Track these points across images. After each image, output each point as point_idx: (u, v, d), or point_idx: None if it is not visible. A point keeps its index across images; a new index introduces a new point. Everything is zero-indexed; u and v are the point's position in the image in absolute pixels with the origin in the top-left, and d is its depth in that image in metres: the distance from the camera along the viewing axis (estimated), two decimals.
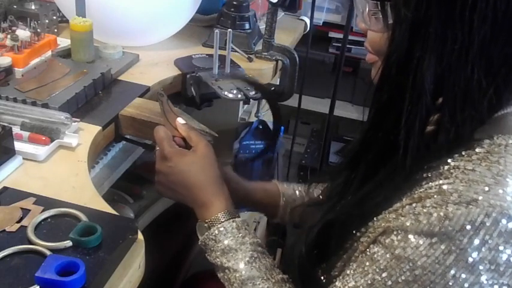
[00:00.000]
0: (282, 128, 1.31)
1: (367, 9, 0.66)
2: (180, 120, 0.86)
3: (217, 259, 0.76)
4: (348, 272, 0.65)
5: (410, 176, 0.63)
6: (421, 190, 0.61)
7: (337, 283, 0.65)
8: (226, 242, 0.76)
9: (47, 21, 1.18)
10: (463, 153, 0.61)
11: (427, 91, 0.59)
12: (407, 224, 0.59)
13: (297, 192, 1.00)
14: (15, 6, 1.17)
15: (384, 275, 0.60)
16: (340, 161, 0.85)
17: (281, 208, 0.99)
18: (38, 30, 1.07)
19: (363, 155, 0.68)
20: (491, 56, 0.58)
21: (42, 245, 0.62)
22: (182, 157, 0.82)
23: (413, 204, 0.60)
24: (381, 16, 0.63)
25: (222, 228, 0.77)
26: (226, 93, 1.00)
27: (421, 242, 0.57)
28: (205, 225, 0.78)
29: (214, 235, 0.77)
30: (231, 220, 0.78)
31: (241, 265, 0.74)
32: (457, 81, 0.58)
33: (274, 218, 1.01)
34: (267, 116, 1.32)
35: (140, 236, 0.68)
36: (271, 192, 0.99)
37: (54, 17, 1.21)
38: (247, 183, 0.97)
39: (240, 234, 0.76)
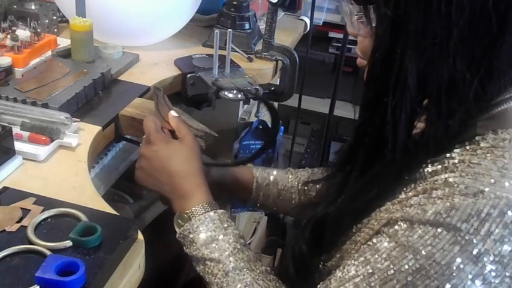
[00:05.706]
0: (282, 127, 1.30)
1: (354, 14, 0.67)
2: (172, 113, 0.86)
3: (198, 251, 0.74)
4: (349, 262, 0.64)
5: (401, 172, 0.63)
6: (426, 183, 0.61)
7: (337, 272, 0.65)
8: (209, 233, 0.74)
9: (47, 21, 1.18)
10: (468, 147, 0.61)
11: (411, 86, 0.60)
12: (413, 213, 0.59)
13: (271, 177, 1.00)
14: (15, 6, 1.17)
15: (386, 263, 0.60)
16: (335, 161, 0.86)
17: (253, 191, 0.99)
18: (38, 30, 1.07)
19: (357, 151, 0.69)
20: (472, 47, 0.59)
21: (42, 245, 0.62)
22: (167, 143, 0.82)
23: (420, 196, 0.60)
24: (365, 20, 0.65)
25: (203, 219, 0.75)
26: (226, 93, 1.00)
27: (426, 231, 0.57)
28: (185, 215, 0.77)
29: (196, 226, 0.75)
30: (213, 211, 0.76)
31: (225, 256, 0.73)
32: (440, 75, 0.59)
33: (247, 202, 1.01)
34: (267, 116, 1.32)
35: (140, 236, 0.68)
36: (243, 175, 0.99)
37: (54, 17, 1.21)
38: (216, 169, 0.97)
39: (223, 225, 0.75)
